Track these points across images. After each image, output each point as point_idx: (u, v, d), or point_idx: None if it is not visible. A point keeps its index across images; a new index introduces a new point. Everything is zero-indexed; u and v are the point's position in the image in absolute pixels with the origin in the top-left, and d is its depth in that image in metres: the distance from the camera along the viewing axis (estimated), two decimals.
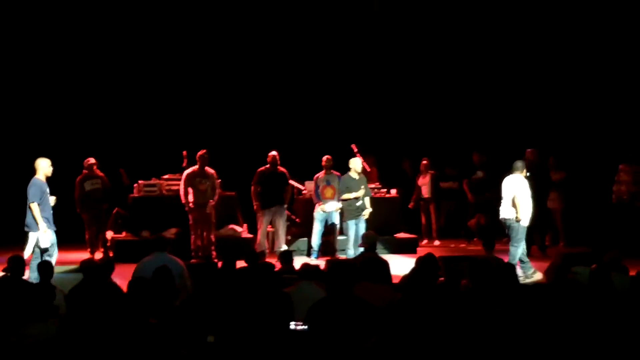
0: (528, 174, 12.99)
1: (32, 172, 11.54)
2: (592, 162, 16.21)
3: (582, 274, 8.21)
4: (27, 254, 11.24)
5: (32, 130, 17.39)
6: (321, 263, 11.57)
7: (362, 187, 14.54)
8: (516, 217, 12.64)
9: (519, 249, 12.66)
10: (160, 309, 6.52)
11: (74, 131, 17.49)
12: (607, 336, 5.96)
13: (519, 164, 12.95)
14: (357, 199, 14.42)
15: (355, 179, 14.54)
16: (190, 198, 14.20)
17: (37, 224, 11.22)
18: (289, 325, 6.22)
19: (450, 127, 18.65)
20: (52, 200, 11.60)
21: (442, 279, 8.96)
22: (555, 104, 17.77)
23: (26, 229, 11.42)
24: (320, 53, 18.32)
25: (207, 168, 14.38)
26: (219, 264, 9.57)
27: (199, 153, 14.36)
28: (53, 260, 11.11)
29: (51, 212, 11.58)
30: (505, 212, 12.83)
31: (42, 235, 11.23)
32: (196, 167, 14.37)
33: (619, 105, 16.80)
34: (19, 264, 9.05)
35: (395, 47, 18.54)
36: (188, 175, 14.35)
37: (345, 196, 14.38)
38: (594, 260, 9.29)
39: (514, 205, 12.69)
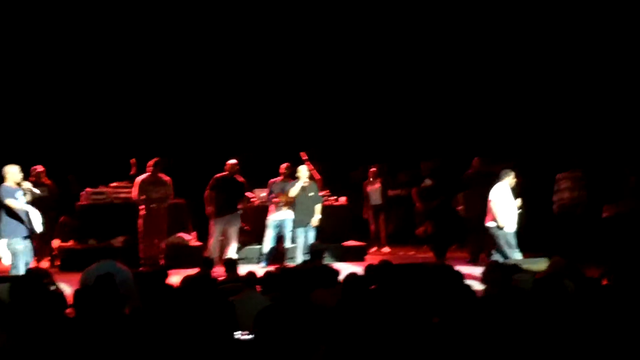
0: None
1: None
2: (537, 171, 16.29)
3: (525, 281, 8.22)
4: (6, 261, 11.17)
5: None
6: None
7: (312, 193, 14.56)
8: (497, 225, 12.78)
9: (516, 255, 12.87)
10: (106, 318, 6.43)
11: (21, 138, 17.24)
12: (549, 343, 5.98)
13: (507, 172, 13.24)
14: (307, 207, 14.43)
15: (306, 185, 14.58)
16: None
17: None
18: (233, 334, 6.16)
19: (399, 135, 18.66)
20: None
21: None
22: (503, 113, 17.85)
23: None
24: (269, 61, 18.26)
25: (161, 175, 14.27)
26: (169, 273, 9.50)
27: (152, 161, 14.28)
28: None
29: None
30: (490, 220, 13.13)
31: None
32: (148, 174, 14.26)
33: (558, 115, 16.87)
34: None
35: (343, 55, 18.53)
36: (142, 182, 14.23)
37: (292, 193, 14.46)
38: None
39: (499, 211, 12.90)
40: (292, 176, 14.74)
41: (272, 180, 14.86)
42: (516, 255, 12.89)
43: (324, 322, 6.38)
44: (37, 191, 11.92)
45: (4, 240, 11.30)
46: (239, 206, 14.79)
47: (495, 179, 15.30)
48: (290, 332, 5.64)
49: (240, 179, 14.78)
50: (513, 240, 13.18)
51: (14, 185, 11.47)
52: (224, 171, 14.70)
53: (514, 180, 13.35)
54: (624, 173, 14.71)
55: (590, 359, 5.75)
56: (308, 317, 6.18)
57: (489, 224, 13.22)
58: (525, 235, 14.60)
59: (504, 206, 13.09)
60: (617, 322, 6.32)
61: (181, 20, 17.89)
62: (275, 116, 18.43)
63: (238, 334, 6.09)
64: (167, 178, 14.38)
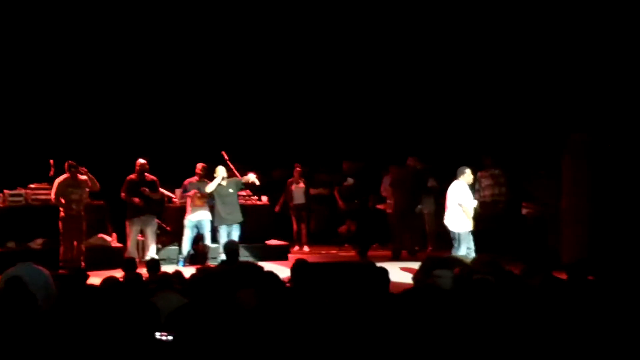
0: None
1: None
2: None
3: (444, 277, 8.27)
4: None
5: None
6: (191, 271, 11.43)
7: (231, 189, 14.62)
8: (460, 224, 12.99)
9: (472, 253, 12.88)
10: (18, 321, 6.29)
11: None
12: (466, 339, 6.01)
13: (464, 170, 13.21)
14: (229, 205, 14.39)
15: (225, 184, 14.58)
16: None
17: None
18: (154, 335, 6.08)
19: (318, 134, 18.65)
20: None
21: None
22: (426, 113, 17.95)
23: None
24: (189, 60, 18.09)
25: (80, 176, 14.06)
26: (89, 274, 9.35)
27: (69, 162, 14.03)
28: None
29: None
30: (448, 219, 13.25)
31: None
32: (67, 175, 14.01)
33: (479, 114, 17.03)
34: None
35: (263, 55, 18.46)
36: (60, 183, 13.97)
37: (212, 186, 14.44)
38: (459, 264, 9.41)
39: (457, 211, 12.94)
40: (208, 177, 14.65)
41: (187, 180, 14.70)
42: (472, 255, 12.85)
43: (246, 323, 6.34)
44: None
45: None
46: (156, 206, 14.65)
47: (422, 177, 15.55)
48: (207, 332, 5.60)
49: (151, 177, 14.59)
50: (471, 240, 13.24)
51: None
52: (134, 172, 14.52)
53: (471, 177, 13.35)
54: (539, 173, 14.93)
55: (507, 355, 5.78)
56: (227, 317, 6.14)
57: (448, 223, 13.24)
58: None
59: (462, 206, 13.15)
60: (538, 319, 6.38)
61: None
62: (196, 116, 18.24)
63: (159, 335, 6.01)
64: (83, 178, 14.09)
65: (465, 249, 13.01)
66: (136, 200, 14.24)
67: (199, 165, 14.70)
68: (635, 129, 12.99)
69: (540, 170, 14.91)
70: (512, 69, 16.42)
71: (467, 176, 13.23)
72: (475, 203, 13.35)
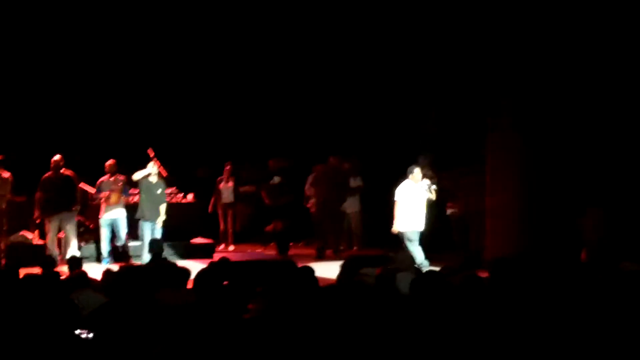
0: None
1: None
2: (385, 169, 16.47)
3: (370, 275, 8.29)
4: None
5: None
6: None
7: (159, 190, 14.46)
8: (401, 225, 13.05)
9: (417, 253, 12.89)
10: None
11: None
12: (390, 336, 6.03)
13: (412, 169, 13.20)
14: (155, 203, 14.28)
15: (153, 182, 14.46)
16: None
17: None
18: (74, 332, 5.99)
19: (243, 132, 18.53)
20: None
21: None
22: (349, 112, 17.91)
23: None
24: (107, 58, 17.79)
25: (1, 171, 13.89)
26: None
27: None
28: None
29: None
30: (396, 220, 13.17)
31: None
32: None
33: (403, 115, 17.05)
34: None
35: (186, 52, 18.22)
36: None
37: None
38: (383, 262, 9.45)
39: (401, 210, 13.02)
40: (118, 173, 14.59)
41: (100, 179, 14.54)
42: (419, 254, 12.92)
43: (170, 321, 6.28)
44: None
45: None
46: (74, 203, 14.43)
47: (346, 176, 15.56)
48: (127, 331, 5.54)
49: (68, 172, 14.37)
50: (417, 239, 13.21)
51: None
52: (49, 169, 14.31)
53: (419, 176, 13.26)
54: (461, 171, 15.02)
55: (425, 350, 5.81)
56: (149, 315, 6.08)
57: (395, 223, 13.27)
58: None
59: (406, 206, 13.15)
60: (456, 316, 6.41)
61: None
62: (120, 113, 17.97)
63: (79, 332, 5.92)
64: (7, 174, 13.92)
65: (413, 248, 13.05)
66: (38, 195, 14.15)
67: (108, 162, 14.55)
68: (557, 121, 13.05)
69: (462, 168, 14.97)
70: (430, 69, 16.42)
71: (415, 175, 13.16)
72: (421, 202, 13.29)
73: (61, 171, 14.27)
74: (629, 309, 6.28)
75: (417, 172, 13.18)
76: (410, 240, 13.04)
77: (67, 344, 5.80)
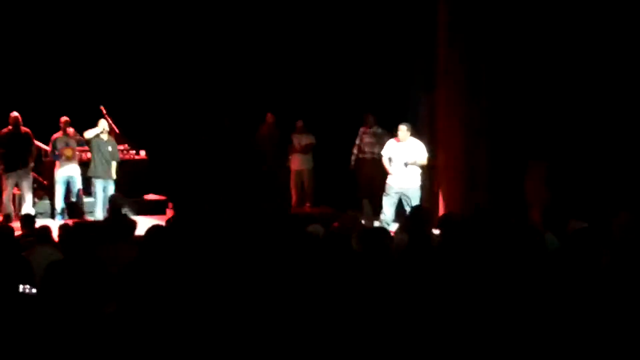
0: None
1: None
2: (338, 126, 16.43)
3: (317, 232, 8.32)
4: None
5: None
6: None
7: (110, 147, 14.34)
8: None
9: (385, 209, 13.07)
10: None
11: None
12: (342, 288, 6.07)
13: (399, 127, 13.22)
14: (106, 161, 14.21)
15: (104, 139, 14.34)
16: None
17: None
18: (18, 289, 5.97)
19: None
20: None
21: None
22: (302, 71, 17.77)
23: None
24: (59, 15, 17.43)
25: None
26: None
27: None
28: None
29: None
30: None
31: None
32: None
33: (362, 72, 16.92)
34: None
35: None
36: None
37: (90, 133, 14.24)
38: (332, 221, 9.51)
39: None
40: (67, 129, 14.55)
41: (54, 135, 14.46)
42: (386, 211, 13.12)
43: (118, 276, 6.28)
44: None
45: None
46: (30, 160, 14.37)
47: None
48: (77, 287, 5.53)
49: (24, 129, 14.30)
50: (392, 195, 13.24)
51: None
52: (8, 125, 14.23)
53: (405, 134, 13.20)
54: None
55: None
56: (96, 271, 6.08)
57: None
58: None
59: (388, 162, 13.25)
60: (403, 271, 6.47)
61: None
62: (72, 70, 17.67)
63: (22, 288, 5.89)
64: None
65: (384, 203, 13.20)
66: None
67: (62, 119, 14.49)
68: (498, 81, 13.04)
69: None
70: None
71: (399, 134, 13.19)
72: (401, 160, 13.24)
73: (20, 128, 14.18)
74: (577, 268, 6.31)
75: (401, 130, 13.22)
76: (386, 195, 13.14)
77: (12, 298, 5.79)
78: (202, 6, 17.60)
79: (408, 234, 8.15)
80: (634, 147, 11.58)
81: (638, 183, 11.21)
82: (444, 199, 13.30)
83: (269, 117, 16.40)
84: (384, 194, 13.18)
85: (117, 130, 15.03)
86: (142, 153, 16.24)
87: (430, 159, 13.34)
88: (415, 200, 12.92)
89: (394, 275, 6.31)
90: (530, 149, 12.50)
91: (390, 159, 13.22)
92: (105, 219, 11.05)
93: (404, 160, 13.05)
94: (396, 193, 13.10)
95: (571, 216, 8.27)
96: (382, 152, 13.39)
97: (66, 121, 14.44)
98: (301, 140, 16.08)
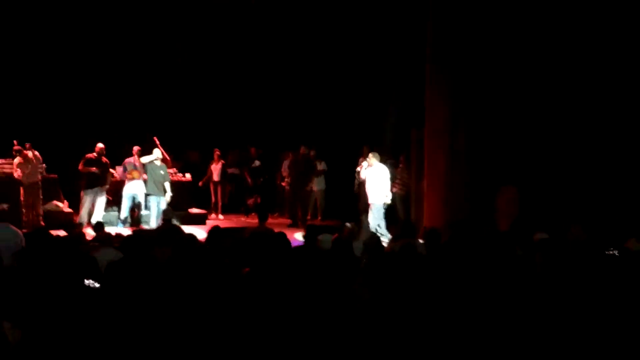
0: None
1: None
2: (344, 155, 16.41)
3: (326, 240, 8.23)
4: None
5: None
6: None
7: (162, 171, 14.37)
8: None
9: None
10: None
11: None
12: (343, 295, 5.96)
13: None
14: (159, 182, 14.33)
15: (158, 165, 14.36)
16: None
17: None
18: (84, 283, 5.89)
19: (230, 124, 18.35)
20: None
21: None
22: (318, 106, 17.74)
23: None
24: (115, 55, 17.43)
25: (33, 151, 13.82)
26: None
27: (27, 145, 13.84)
28: None
29: None
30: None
31: None
32: (25, 153, 13.74)
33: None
34: None
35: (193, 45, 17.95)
36: (20, 162, 13.74)
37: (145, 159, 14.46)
38: (337, 231, 9.45)
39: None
40: (142, 156, 14.55)
41: (126, 160, 14.57)
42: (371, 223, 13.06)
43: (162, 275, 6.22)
44: None
45: None
46: (106, 182, 14.48)
47: (312, 161, 15.59)
48: (131, 281, 5.46)
49: (105, 160, 14.41)
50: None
51: None
52: (94, 152, 14.26)
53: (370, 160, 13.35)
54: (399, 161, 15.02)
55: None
56: (150, 270, 6.00)
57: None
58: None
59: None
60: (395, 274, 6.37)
61: None
62: (128, 109, 17.66)
63: (87, 282, 5.81)
64: (37, 153, 13.95)
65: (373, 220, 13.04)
66: (93, 169, 14.08)
67: (135, 148, 14.58)
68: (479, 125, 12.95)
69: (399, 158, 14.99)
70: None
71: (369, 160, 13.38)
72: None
73: (103, 158, 14.37)
74: (544, 273, 6.23)
75: (369, 158, 13.26)
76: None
77: (79, 292, 5.70)
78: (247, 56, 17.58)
79: (399, 243, 8.07)
80: (585, 173, 11.60)
81: (587, 202, 11.22)
82: (428, 213, 13.19)
83: (302, 149, 16.31)
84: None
85: (167, 157, 15.06)
86: (187, 176, 16.29)
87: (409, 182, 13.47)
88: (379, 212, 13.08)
89: (389, 275, 6.22)
90: (501, 174, 12.47)
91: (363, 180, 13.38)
92: (158, 227, 11.00)
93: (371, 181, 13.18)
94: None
95: (535, 229, 8.21)
96: (360, 174, 13.41)
97: (138, 150, 14.51)
98: (317, 166, 16.18)
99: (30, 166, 13.71)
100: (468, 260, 6.65)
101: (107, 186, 14.53)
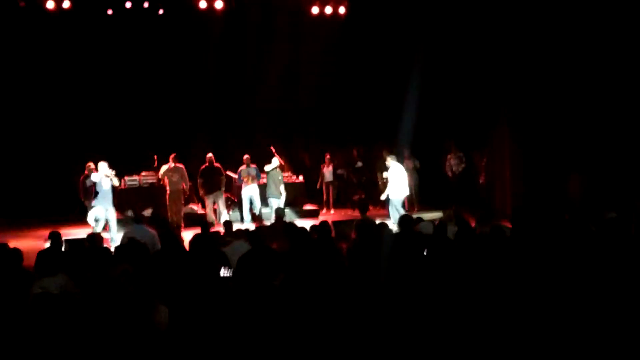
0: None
1: None
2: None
3: (426, 226, 8.24)
4: None
5: None
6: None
7: (280, 176, 14.81)
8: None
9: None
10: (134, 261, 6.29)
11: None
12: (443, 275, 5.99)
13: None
14: (276, 185, 14.57)
15: (277, 171, 14.78)
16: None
17: None
18: (220, 273, 6.13)
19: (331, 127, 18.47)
20: None
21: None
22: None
23: None
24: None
25: (177, 164, 14.55)
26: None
27: (171, 155, 14.52)
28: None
29: None
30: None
31: None
32: (170, 164, 14.48)
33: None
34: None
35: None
36: (165, 171, 14.53)
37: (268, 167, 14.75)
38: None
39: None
40: (249, 164, 14.84)
41: (240, 168, 14.91)
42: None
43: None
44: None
45: None
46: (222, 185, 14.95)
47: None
48: (260, 268, 5.65)
49: (217, 164, 14.99)
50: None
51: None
52: (205, 162, 14.90)
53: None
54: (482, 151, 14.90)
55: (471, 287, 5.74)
56: (272, 258, 6.19)
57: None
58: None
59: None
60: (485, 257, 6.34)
61: None
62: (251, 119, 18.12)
63: (223, 272, 6.04)
64: (181, 165, 14.66)
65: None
66: (200, 181, 14.77)
67: (245, 157, 14.92)
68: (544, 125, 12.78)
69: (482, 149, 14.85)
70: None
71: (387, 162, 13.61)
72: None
73: (214, 164, 14.84)
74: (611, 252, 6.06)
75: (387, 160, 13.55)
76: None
77: (215, 281, 5.91)
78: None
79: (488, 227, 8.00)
80: None
81: None
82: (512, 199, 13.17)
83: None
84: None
85: (283, 163, 15.36)
86: (300, 177, 16.59)
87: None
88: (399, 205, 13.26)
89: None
90: (568, 164, 12.44)
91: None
92: (272, 224, 11.22)
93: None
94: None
95: (605, 209, 8.07)
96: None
97: (247, 158, 14.91)
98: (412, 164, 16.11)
99: (176, 175, 14.39)
100: (551, 236, 6.58)
101: (223, 188, 15.03)
